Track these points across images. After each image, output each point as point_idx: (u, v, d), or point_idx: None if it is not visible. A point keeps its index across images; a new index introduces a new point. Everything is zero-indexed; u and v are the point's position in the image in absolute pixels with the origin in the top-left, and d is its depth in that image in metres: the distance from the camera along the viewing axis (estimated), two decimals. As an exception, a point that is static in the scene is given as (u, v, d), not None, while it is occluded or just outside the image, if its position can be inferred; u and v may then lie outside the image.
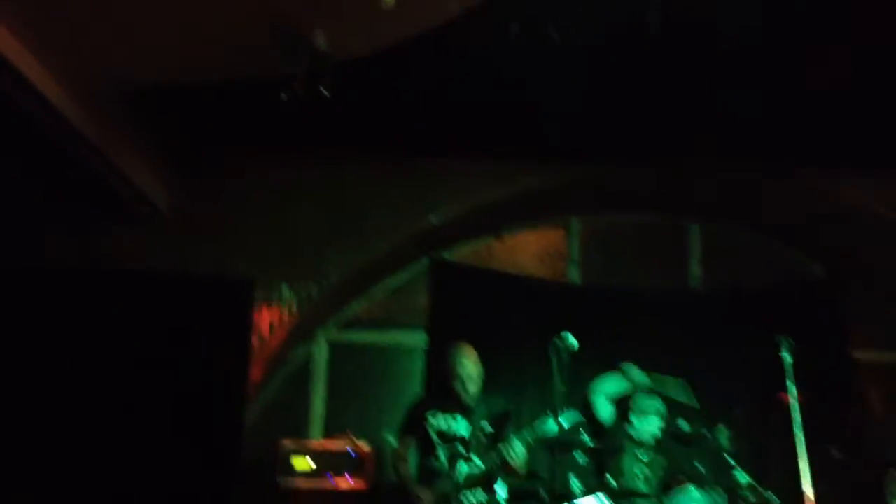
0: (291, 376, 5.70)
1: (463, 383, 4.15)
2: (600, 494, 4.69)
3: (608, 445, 4.88)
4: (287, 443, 4.91)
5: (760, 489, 4.52)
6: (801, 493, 3.55)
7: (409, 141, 5.14)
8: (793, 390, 3.84)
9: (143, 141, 4.59)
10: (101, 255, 4.97)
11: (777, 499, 4.44)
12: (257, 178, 5.18)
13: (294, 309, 5.06)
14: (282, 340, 5.21)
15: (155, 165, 4.77)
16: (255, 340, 4.77)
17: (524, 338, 5.63)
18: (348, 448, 5.00)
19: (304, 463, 4.85)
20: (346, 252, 5.18)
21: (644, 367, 5.59)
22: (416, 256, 5.85)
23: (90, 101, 3.89)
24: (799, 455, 3.56)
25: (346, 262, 5.19)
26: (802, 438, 3.62)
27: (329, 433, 5.52)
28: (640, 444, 4.94)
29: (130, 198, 4.63)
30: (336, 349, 5.85)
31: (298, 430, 5.52)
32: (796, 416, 3.72)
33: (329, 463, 4.90)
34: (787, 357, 3.88)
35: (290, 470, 4.81)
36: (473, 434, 4.12)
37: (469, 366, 4.19)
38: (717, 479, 4.69)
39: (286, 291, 5.03)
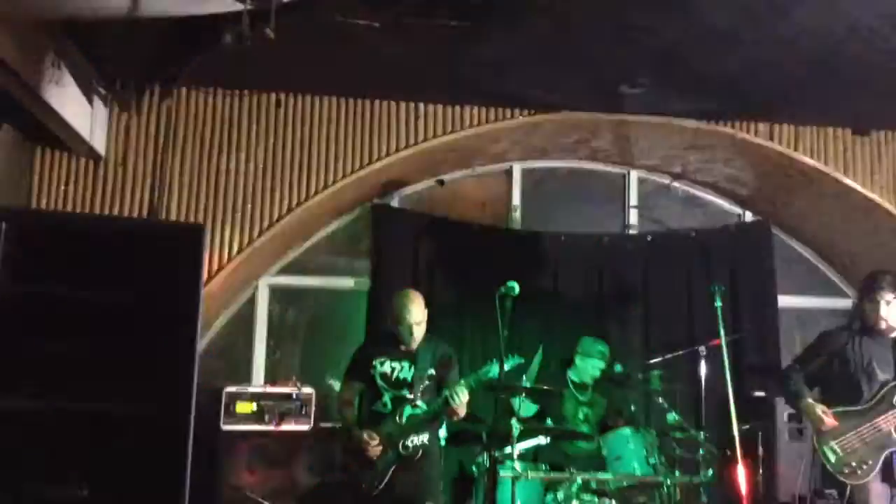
0: (233, 322, 5.68)
1: (408, 328, 4.18)
2: (541, 437, 4.87)
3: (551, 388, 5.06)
4: (230, 388, 4.93)
5: (688, 427, 4.76)
6: (728, 430, 3.73)
7: (352, 84, 5.08)
8: (722, 334, 4.00)
9: (79, 79, 4.43)
10: (33, 193, 4.85)
11: (704, 436, 4.69)
12: (196, 119, 5.05)
13: (235, 254, 5.00)
14: (222, 286, 5.17)
15: (90, 104, 4.62)
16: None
17: (466, 283, 5.72)
18: (291, 392, 5.05)
19: (247, 407, 4.89)
20: (287, 197, 5.13)
21: (583, 310, 5.80)
22: (358, 200, 5.84)
23: (19, 33, 3.72)
24: (727, 395, 3.73)
25: (288, 206, 5.13)
26: (730, 379, 3.79)
27: (272, 378, 5.54)
28: (581, 386, 5.14)
29: (64, 137, 4.49)
30: (278, 293, 5.83)
31: (241, 376, 5.54)
32: (724, 359, 3.88)
33: (272, 407, 4.95)
34: (718, 303, 4.05)
35: (234, 414, 4.84)
36: (417, 378, 4.16)
37: (414, 311, 4.20)
38: (650, 419, 4.92)
39: (227, 236, 4.96)
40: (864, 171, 5.42)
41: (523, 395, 4.52)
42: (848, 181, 5.40)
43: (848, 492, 3.92)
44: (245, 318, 5.73)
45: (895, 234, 5.44)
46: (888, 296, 4.06)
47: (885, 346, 4.10)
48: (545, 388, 4.97)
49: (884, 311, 4.06)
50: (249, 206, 5.04)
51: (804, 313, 6.07)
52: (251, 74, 4.86)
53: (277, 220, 5.09)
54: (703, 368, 4.79)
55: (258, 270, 5.67)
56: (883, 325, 4.08)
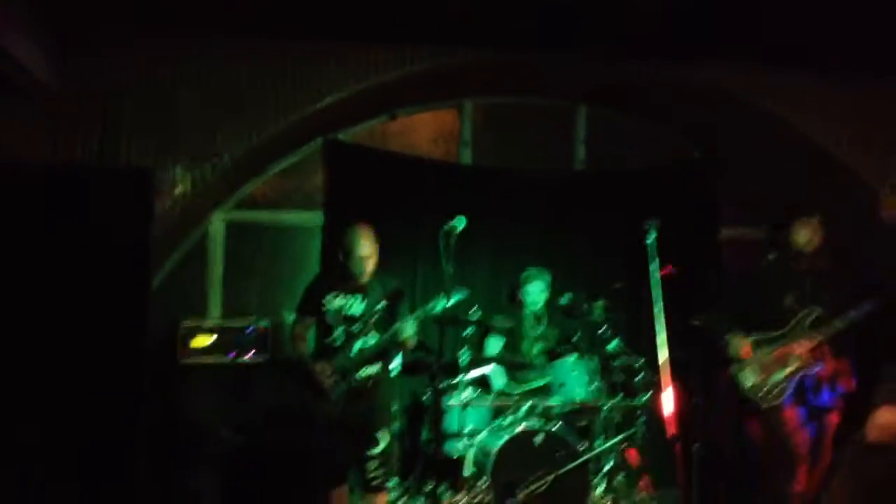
0: (188, 257, 5.72)
1: (359, 262, 4.26)
2: (489, 367, 5.08)
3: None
4: (186, 322, 5.02)
5: (627, 353, 4.99)
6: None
7: (304, 21, 5.05)
8: (656, 267, 4.16)
9: (26, 18, 4.35)
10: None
11: (642, 361, 4.92)
12: (147, 57, 4.98)
13: (188, 190, 5.02)
14: (176, 222, 5.22)
15: (39, 43, 4.54)
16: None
17: (417, 218, 5.81)
18: (248, 325, 5.17)
19: (203, 340, 5.00)
20: (239, 133, 5.11)
21: (530, 245, 5.95)
22: (311, 137, 5.87)
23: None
24: (657, 325, 3.92)
25: (240, 142, 5.13)
26: (662, 310, 3.97)
27: (228, 312, 5.64)
28: (536, 318, 5.34)
29: (12, 75, 4.42)
30: (233, 229, 5.87)
31: (197, 310, 5.62)
32: (656, 290, 4.05)
33: (228, 340, 5.06)
34: (650, 240, 4.18)
35: (190, 348, 4.96)
36: (368, 312, 4.29)
37: (366, 245, 4.29)
38: (594, 348, 5.14)
39: (179, 173, 4.98)
40: (799, 104, 5.55)
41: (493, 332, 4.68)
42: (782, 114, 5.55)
43: (763, 413, 4.19)
44: (200, 254, 5.78)
45: (822, 163, 5.65)
46: (804, 224, 4.27)
47: (800, 275, 4.31)
48: (507, 323, 5.18)
49: (801, 239, 4.27)
50: (200, 144, 5.04)
51: (744, 243, 6.24)
52: (202, 13, 4.80)
53: (230, 156, 5.11)
54: (644, 298, 4.98)
55: (212, 206, 5.71)
56: (800, 254, 4.29)
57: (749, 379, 4.26)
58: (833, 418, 4.24)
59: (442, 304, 4.10)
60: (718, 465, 5.28)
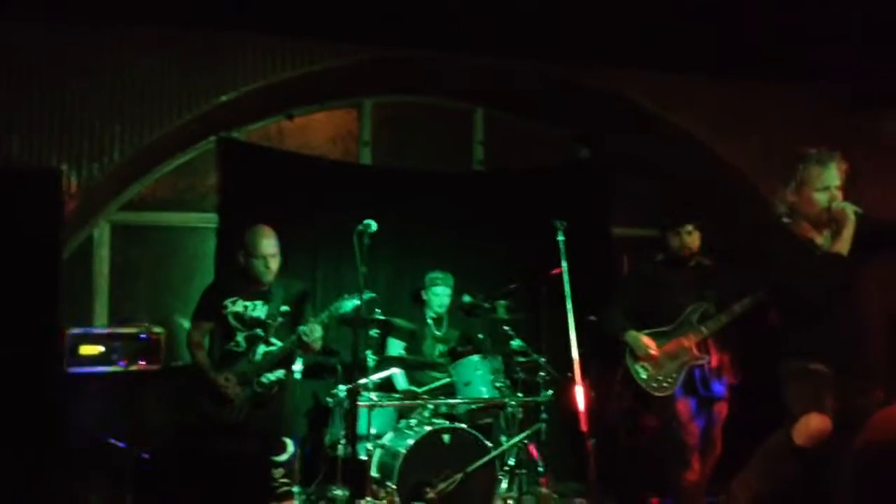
0: (72, 261, 5.41)
1: (264, 261, 4.14)
2: (395, 369, 5.07)
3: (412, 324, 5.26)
4: (74, 330, 4.76)
5: (529, 351, 5.10)
6: (568, 354, 4.03)
7: (198, 14, 4.88)
8: (564, 266, 4.28)
9: None
10: None
11: (543, 359, 5.03)
12: (33, 52, 4.68)
13: (74, 191, 4.76)
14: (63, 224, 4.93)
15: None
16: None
17: (317, 219, 5.74)
18: (139, 331, 4.95)
19: (93, 349, 4.75)
20: (129, 130, 4.90)
21: (431, 244, 5.97)
22: (204, 135, 5.68)
23: None
24: (568, 322, 4.03)
25: (130, 140, 4.91)
26: (571, 308, 4.08)
27: (117, 318, 5.38)
28: (437, 320, 5.37)
29: None
30: (120, 231, 5.62)
31: (84, 317, 5.34)
32: (566, 289, 4.16)
33: (120, 348, 4.83)
34: (560, 237, 4.31)
35: (80, 357, 4.70)
36: (271, 316, 4.17)
37: (269, 244, 4.17)
38: (497, 347, 5.21)
39: (66, 172, 4.70)
40: (687, 109, 5.79)
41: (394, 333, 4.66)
42: (673, 118, 5.79)
43: (656, 404, 4.38)
44: (85, 258, 5.50)
45: (713, 165, 5.92)
46: (688, 226, 4.49)
47: (687, 274, 4.53)
48: (409, 325, 5.18)
49: (685, 240, 4.48)
50: (86, 142, 4.78)
51: (635, 239, 6.46)
52: (89, 5, 4.57)
53: (119, 156, 4.88)
54: (543, 297, 5.11)
55: (98, 208, 5.42)
56: (685, 253, 4.51)
57: (643, 371, 4.43)
58: (722, 409, 4.45)
59: (351, 303, 4.05)
60: (613, 456, 5.49)
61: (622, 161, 6.47)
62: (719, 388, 4.45)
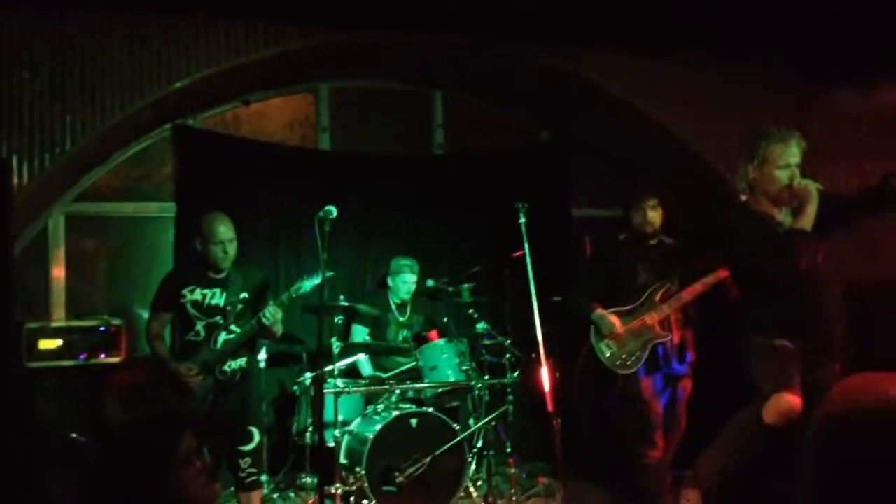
0: (26, 254, 5.29)
1: (222, 247, 4.07)
2: (361, 355, 5.05)
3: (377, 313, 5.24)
4: (31, 324, 4.65)
5: (494, 333, 5.12)
6: (533, 335, 4.05)
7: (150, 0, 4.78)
8: (526, 248, 4.29)
9: None
10: None
11: (509, 341, 5.06)
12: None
13: (25, 182, 4.63)
14: (12, 218, 4.80)
15: None
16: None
17: (276, 206, 5.68)
18: (98, 324, 4.86)
19: (51, 343, 4.66)
20: (80, 119, 4.77)
21: (393, 229, 5.95)
22: (159, 123, 5.57)
23: None
24: (532, 303, 4.04)
25: (82, 129, 4.78)
26: (534, 289, 4.09)
27: (76, 310, 5.28)
28: (401, 306, 5.36)
29: None
30: (75, 222, 5.49)
31: (40, 310, 5.23)
32: (529, 270, 4.17)
33: (79, 341, 4.75)
34: (522, 219, 4.31)
35: (38, 351, 4.60)
36: (230, 304, 4.11)
37: (225, 229, 4.10)
38: (461, 329, 5.23)
39: (14, 164, 4.57)
40: (645, 88, 5.82)
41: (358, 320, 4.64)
42: (630, 99, 5.81)
43: (620, 382, 4.42)
44: (40, 250, 5.37)
45: (670, 145, 5.98)
46: (650, 200, 4.51)
47: (649, 252, 4.56)
48: (373, 311, 5.16)
49: (649, 215, 4.50)
50: (38, 130, 4.66)
51: (597, 220, 6.52)
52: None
53: (71, 146, 4.76)
54: (507, 279, 5.13)
55: (51, 199, 5.30)
56: (648, 230, 4.53)
57: (608, 350, 4.46)
58: (686, 385, 4.51)
59: (311, 283, 4.00)
60: (578, 435, 5.55)
61: (581, 143, 6.50)
62: (682, 365, 4.50)
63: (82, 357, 4.71)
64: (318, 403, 3.88)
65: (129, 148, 5.57)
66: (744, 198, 3.60)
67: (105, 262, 5.59)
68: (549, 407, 3.80)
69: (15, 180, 4.56)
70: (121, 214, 5.62)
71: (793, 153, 3.45)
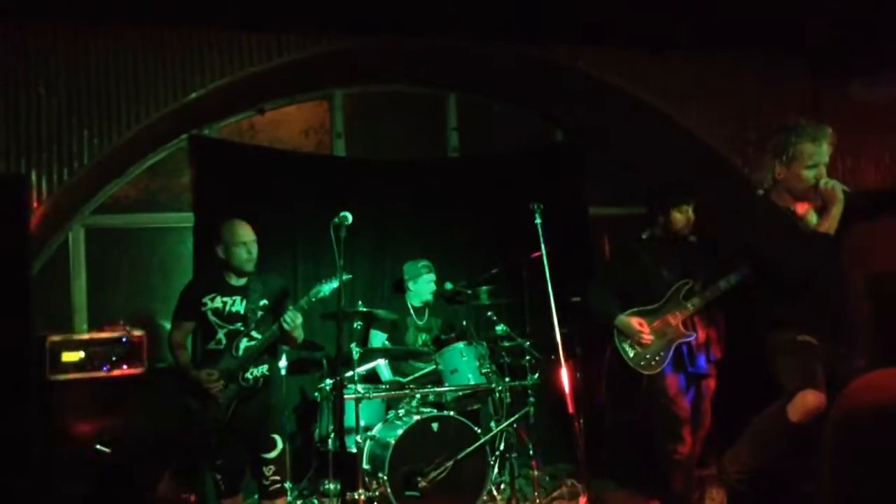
0: (48, 268, 5.35)
1: (245, 249, 4.08)
2: (380, 360, 5.04)
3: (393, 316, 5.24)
4: (54, 337, 4.69)
5: (514, 335, 5.10)
6: (552, 336, 4.03)
7: (163, 10, 4.80)
8: (543, 249, 4.27)
9: None
10: None
11: (528, 342, 5.05)
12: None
13: (43, 196, 4.68)
14: (33, 232, 4.85)
15: None
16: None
17: (293, 213, 5.70)
18: (120, 335, 4.89)
19: (74, 355, 4.69)
20: (97, 133, 4.81)
21: (409, 234, 5.95)
22: (175, 134, 5.61)
23: None
24: (550, 304, 4.02)
25: (98, 143, 4.83)
26: (551, 289, 4.07)
27: (98, 322, 5.31)
28: (419, 310, 5.35)
29: None
30: (95, 234, 5.55)
31: (63, 323, 5.28)
32: (546, 271, 4.15)
33: (101, 353, 4.78)
34: (538, 220, 4.29)
35: (61, 364, 4.64)
36: (250, 310, 4.11)
37: (248, 232, 4.13)
38: (481, 332, 5.21)
39: (34, 179, 4.62)
40: (658, 87, 5.79)
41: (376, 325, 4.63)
42: (645, 96, 5.77)
43: (645, 382, 4.38)
44: (61, 263, 5.43)
45: (686, 144, 5.93)
46: (679, 205, 4.43)
47: (673, 251, 4.47)
48: (391, 315, 5.16)
49: (674, 219, 4.42)
50: (55, 145, 4.71)
51: (613, 219, 6.50)
52: (49, 7, 4.48)
53: (88, 159, 4.80)
54: (525, 281, 5.11)
55: (71, 212, 5.35)
56: (679, 232, 4.45)
57: (631, 350, 4.42)
58: (710, 384, 4.46)
59: (330, 286, 3.99)
60: (602, 435, 5.51)
61: (596, 141, 6.47)
62: (706, 363, 4.45)
63: (105, 368, 4.74)
64: (338, 409, 3.88)
65: (146, 160, 5.62)
66: (761, 192, 3.56)
67: (126, 273, 5.64)
68: (570, 408, 3.78)
69: (34, 195, 4.61)
70: (140, 226, 5.66)
71: (823, 152, 3.40)
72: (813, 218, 3.45)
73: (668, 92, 5.74)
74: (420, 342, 5.35)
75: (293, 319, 4.02)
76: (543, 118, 6.58)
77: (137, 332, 4.95)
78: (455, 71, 6.03)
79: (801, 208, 3.50)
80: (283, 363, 5.02)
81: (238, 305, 4.12)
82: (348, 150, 6.12)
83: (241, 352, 4.05)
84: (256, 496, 4.26)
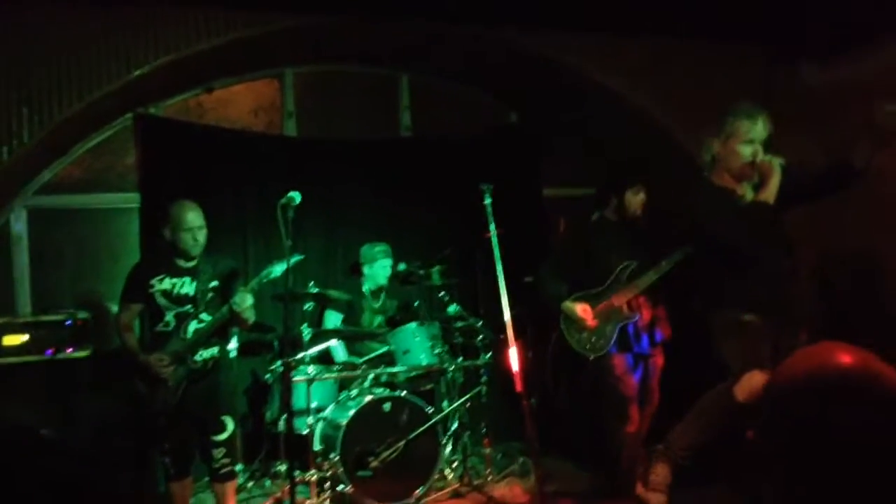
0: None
1: (192, 234, 4.03)
2: (333, 341, 5.02)
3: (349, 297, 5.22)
4: (-6, 320, 4.59)
5: (466, 316, 5.12)
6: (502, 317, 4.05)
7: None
8: (493, 229, 4.27)
9: None
10: None
11: (481, 322, 5.07)
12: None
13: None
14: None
15: None
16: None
17: (243, 194, 5.62)
18: (65, 318, 4.80)
19: (16, 338, 4.59)
20: (38, 110, 4.67)
21: (362, 214, 5.92)
22: (121, 112, 5.48)
23: None
24: (499, 285, 4.03)
25: (39, 121, 4.69)
26: (502, 270, 4.08)
27: (42, 306, 5.19)
28: (375, 292, 5.33)
29: None
30: (37, 216, 5.41)
31: (4, 307, 5.15)
32: (496, 252, 4.16)
33: (45, 336, 4.68)
34: (487, 200, 4.29)
35: (3, 348, 4.54)
36: (200, 292, 4.07)
37: (195, 217, 4.07)
38: (433, 313, 5.22)
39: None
40: (617, 68, 5.78)
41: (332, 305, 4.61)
42: (596, 77, 5.78)
43: (592, 362, 4.42)
44: (3, 245, 5.30)
45: (640, 124, 5.98)
46: (633, 186, 4.45)
47: (623, 233, 4.48)
48: (345, 296, 5.14)
49: (628, 201, 4.43)
50: (-5, 121, 4.57)
51: (569, 200, 6.47)
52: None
53: (29, 138, 4.66)
54: (478, 261, 5.12)
55: (12, 192, 5.21)
56: (631, 214, 4.45)
57: (575, 335, 4.45)
58: (658, 361, 4.52)
59: (281, 268, 3.96)
60: (552, 415, 5.58)
61: (550, 123, 6.48)
62: (652, 343, 4.50)
63: (49, 352, 4.64)
64: (285, 391, 3.87)
65: (90, 139, 5.48)
66: (705, 174, 3.62)
67: (71, 255, 5.51)
68: (519, 387, 3.81)
69: (-28, 174, 4.48)
70: (85, 206, 5.53)
71: (758, 130, 3.47)
72: (749, 194, 3.51)
73: (626, 74, 5.74)
74: (376, 324, 5.34)
75: (242, 301, 3.98)
76: (497, 99, 6.56)
77: (83, 315, 4.85)
78: (407, 50, 5.97)
79: (740, 189, 3.56)
80: (233, 345, 4.97)
81: (188, 287, 4.07)
82: (300, 130, 6.04)
83: (189, 334, 4.01)
84: (207, 479, 4.23)
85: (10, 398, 4.49)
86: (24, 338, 4.63)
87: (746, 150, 3.47)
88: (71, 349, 4.73)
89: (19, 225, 5.37)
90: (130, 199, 5.53)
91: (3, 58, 4.57)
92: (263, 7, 5.05)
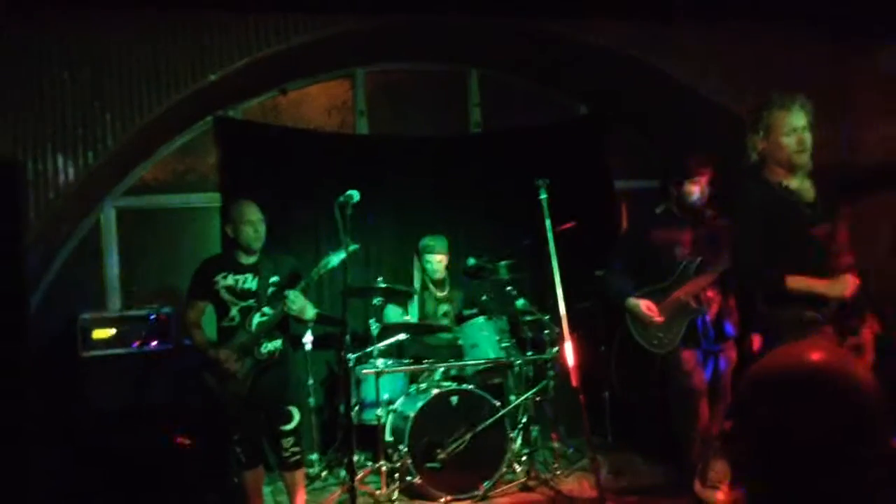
0: (81, 248, 5.53)
1: (254, 226, 4.16)
2: (400, 334, 5.09)
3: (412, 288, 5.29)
4: (85, 316, 4.85)
5: (534, 310, 5.10)
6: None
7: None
8: (548, 224, 4.23)
9: None
10: None
11: (548, 317, 5.04)
12: (16, 44, 4.68)
13: (70, 179, 4.81)
14: (62, 214, 5.01)
15: None
16: (32, 217, 4.59)
17: (316, 193, 5.76)
18: (149, 314, 5.03)
19: (105, 332, 4.85)
20: (119, 116, 4.90)
21: (432, 210, 5.97)
22: (201, 115, 5.71)
23: None
24: (555, 280, 4.01)
25: (122, 126, 4.93)
26: (556, 266, 4.05)
27: (129, 301, 5.47)
28: (437, 283, 5.39)
29: None
30: (125, 215, 5.70)
31: (96, 302, 5.45)
32: (551, 247, 4.13)
33: (131, 330, 4.93)
34: (543, 195, 4.25)
35: (92, 341, 4.80)
36: (262, 287, 4.18)
37: (254, 210, 4.20)
38: (502, 307, 5.22)
39: (60, 163, 4.76)
40: (675, 57, 5.67)
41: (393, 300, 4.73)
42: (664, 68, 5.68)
43: (660, 358, 4.33)
44: (94, 244, 5.60)
45: (707, 115, 5.82)
46: (696, 178, 4.29)
47: (686, 225, 4.35)
48: (408, 289, 5.22)
49: (688, 191, 4.29)
50: (80, 129, 4.82)
51: (639, 192, 6.39)
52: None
53: (112, 142, 4.91)
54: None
55: (101, 194, 5.50)
56: (687, 205, 4.32)
57: (642, 332, 4.36)
58: (730, 354, 4.37)
59: (338, 257, 4.02)
60: (626, 410, 5.51)
61: (621, 115, 6.39)
62: (722, 336, 4.37)
63: (134, 345, 4.89)
64: (345, 386, 3.96)
65: (172, 142, 5.73)
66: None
67: (156, 253, 5.77)
68: (574, 382, 3.79)
69: (61, 177, 4.75)
70: (169, 207, 5.79)
71: (797, 118, 3.35)
72: (805, 184, 3.38)
73: (690, 63, 5.61)
74: (441, 313, 5.38)
75: (294, 300, 4.07)
76: (565, 93, 6.51)
77: (165, 310, 5.08)
78: (475, 47, 5.99)
79: (794, 182, 3.44)
80: (309, 338, 5.14)
81: (250, 283, 4.20)
82: (371, 128, 6.15)
83: (254, 326, 4.13)
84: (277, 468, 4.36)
85: (99, 387, 4.75)
86: (112, 332, 4.88)
87: (790, 141, 3.35)
88: (155, 342, 4.96)
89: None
90: (212, 199, 5.75)
91: (87, 69, 4.82)
92: (327, 10, 5.16)
